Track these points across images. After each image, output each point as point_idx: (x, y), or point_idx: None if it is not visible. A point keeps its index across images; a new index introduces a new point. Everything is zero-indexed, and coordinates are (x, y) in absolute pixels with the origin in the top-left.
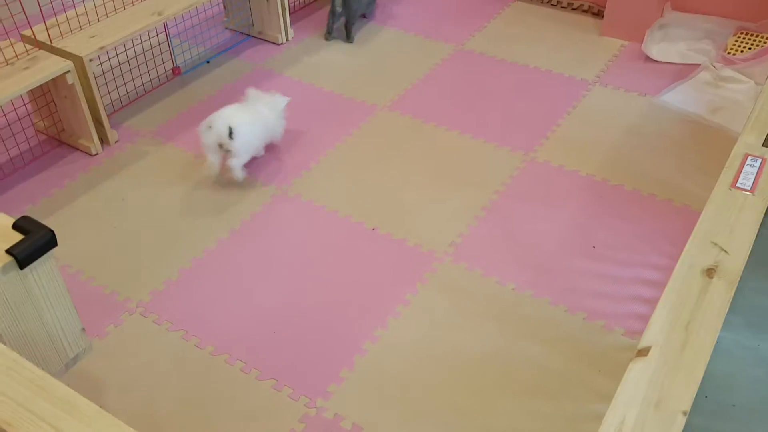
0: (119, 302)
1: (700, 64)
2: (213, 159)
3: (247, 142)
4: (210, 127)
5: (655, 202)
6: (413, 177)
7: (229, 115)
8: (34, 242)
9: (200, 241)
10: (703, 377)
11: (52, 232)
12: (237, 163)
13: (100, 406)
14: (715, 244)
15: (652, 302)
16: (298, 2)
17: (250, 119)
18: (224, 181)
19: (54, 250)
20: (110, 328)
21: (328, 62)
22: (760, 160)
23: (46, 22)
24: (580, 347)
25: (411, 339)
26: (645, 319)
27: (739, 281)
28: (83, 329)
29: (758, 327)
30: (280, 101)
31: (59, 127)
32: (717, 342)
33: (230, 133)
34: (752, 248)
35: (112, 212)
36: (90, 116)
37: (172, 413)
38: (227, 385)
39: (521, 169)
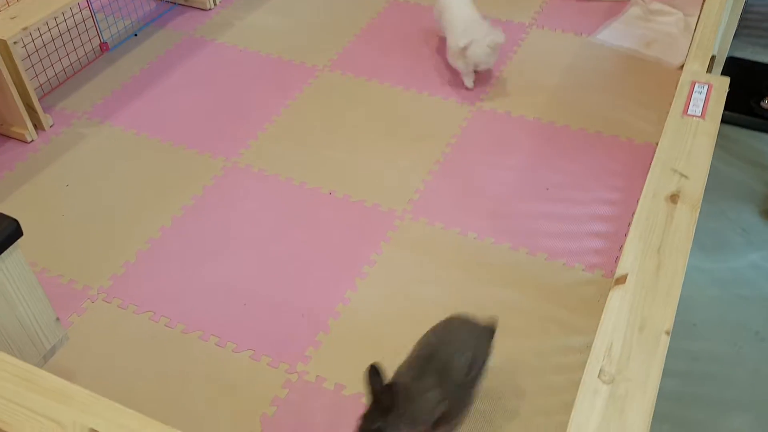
0: (79, 291)
1: (629, 0)
2: None
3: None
4: None
5: (602, 138)
6: (363, 137)
7: None
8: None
9: (154, 220)
10: None
11: (16, 221)
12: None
13: None
14: (675, 170)
15: (608, 236)
16: None
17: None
18: (170, 158)
19: (20, 240)
20: (74, 317)
21: (262, 24)
22: (706, 86)
23: None
24: (545, 286)
25: (381, 297)
26: (602, 252)
27: None
28: (57, 319)
29: (710, 249)
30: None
31: None
32: None
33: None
34: None
35: (58, 200)
36: (21, 102)
37: (152, 396)
38: (204, 361)
39: (469, 119)
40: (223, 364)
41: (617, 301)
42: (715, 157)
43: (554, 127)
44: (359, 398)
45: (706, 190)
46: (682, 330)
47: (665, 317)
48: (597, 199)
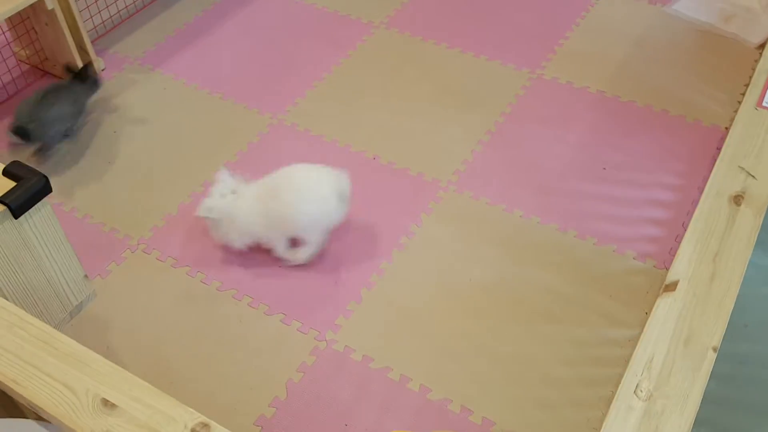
0: (119, 240)
1: None
2: None
3: None
4: None
5: (668, 118)
6: (414, 101)
7: None
8: (28, 190)
9: (198, 174)
10: None
11: (45, 178)
12: None
13: (107, 347)
14: (743, 168)
15: (664, 224)
16: None
17: None
18: (218, 111)
19: (49, 196)
20: (112, 266)
21: None
22: None
23: None
24: (591, 272)
25: (417, 270)
26: (657, 241)
27: None
28: (86, 276)
29: (766, 245)
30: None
31: (41, 56)
32: None
33: None
34: None
35: (105, 146)
36: (73, 43)
37: (181, 351)
38: (235, 321)
39: (527, 87)
40: (253, 326)
41: (664, 309)
42: None
43: (618, 102)
44: (386, 373)
45: None
46: (731, 331)
47: (714, 332)
48: (656, 183)
